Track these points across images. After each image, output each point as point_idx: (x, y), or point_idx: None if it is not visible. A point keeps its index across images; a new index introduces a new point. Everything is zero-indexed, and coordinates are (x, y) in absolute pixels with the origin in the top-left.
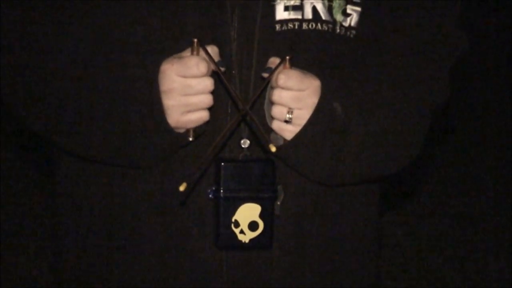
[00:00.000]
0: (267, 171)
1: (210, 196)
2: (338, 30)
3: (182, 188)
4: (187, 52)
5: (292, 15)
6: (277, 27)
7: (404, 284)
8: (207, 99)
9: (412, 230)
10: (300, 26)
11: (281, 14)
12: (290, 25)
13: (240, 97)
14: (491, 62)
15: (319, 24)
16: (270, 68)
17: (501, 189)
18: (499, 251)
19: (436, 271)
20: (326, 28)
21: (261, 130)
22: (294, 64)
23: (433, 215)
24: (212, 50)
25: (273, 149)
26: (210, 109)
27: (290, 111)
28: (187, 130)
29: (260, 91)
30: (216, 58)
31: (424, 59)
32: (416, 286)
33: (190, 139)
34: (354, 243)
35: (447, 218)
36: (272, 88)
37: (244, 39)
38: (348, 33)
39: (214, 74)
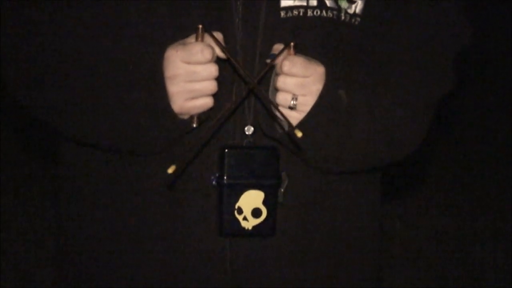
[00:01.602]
0: (271, 158)
1: (214, 182)
2: (343, 17)
3: (170, 170)
4: (191, 39)
5: (297, 1)
6: (282, 13)
7: (402, 275)
8: (212, 86)
9: (410, 222)
10: (305, 13)
11: (286, 0)
12: (295, 12)
13: (249, 74)
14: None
15: (324, 11)
16: (274, 54)
17: (500, 181)
18: (497, 243)
19: (434, 262)
20: (331, 15)
21: (275, 105)
22: (299, 51)
23: (432, 206)
24: (217, 36)
25: (299, 134)
26: (214, 95)
27: (295, 97)
28: (191, 117)
29: (265, 71)
30: (222, 43)
31: (429, 47)
32: (414, 276)
33: (194, 125)
34: (356, 230)
35: (446, 209)
36: (277, 74)
37: (249, 26)
38: (353, 20)
39: (219, 61)
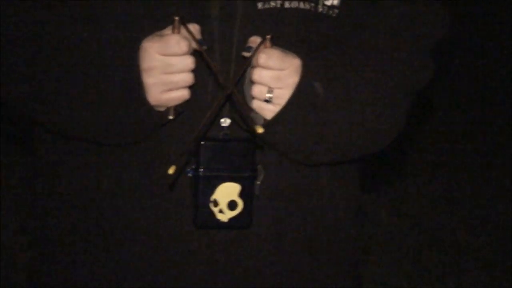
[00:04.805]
0: (247, 150)
1: (189, 174)
2: (320, 9)
3: (171, 171)
4: (168, 30)
5: None
6: (259, 5)
7: (387, 262)
8: (188, 78)
9: (395, 210)
10: (282, 4)
11: None
12: (272, 3)
13: (223, 76)
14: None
15: (301, 3)
16: (250, 47)
17: (484, 169)
18: (480, 231)
19: (418, 250)
20: (308, 7)
21: (247, 110)
22: (276, 43)
23: (416, 195)
24: (194, 28)
25: (260, 130)
26: (190, 87)
27: (271, 90)
28: (168, 108)
29: (243, 70)
30: (198, 36)
31: (406, 38)
32: (398, 264)
33: (171, 117)
34: (333, 222)
35: (429, 198)
36: (253, 67)
37: (226, 17)
38: (330, 12)
39: (196, 53)
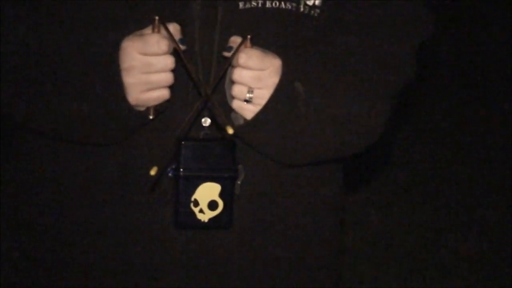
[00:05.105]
0: (228, 151)
1: (170, 174)
2: (302, 9)
3: (153, 172)
4: (148, 30)
5: None
6: (241, 4)
7: (377, 263)
8: (168, 77)
9: (385, 211)
10: (264, 4)
11: None
12: (254, 3)
13: (200, 79)
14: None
15: (282, 2)
16: (231, 47)
17: (474, 171)
18: (469, 231)
19: (407, 251)
20: (289, 7)
21: (222, 115)
22: (257, 42)
23: (406, 195)
24: (174, 28)
25: (230, 131)
26: (170, 87)
27: (251, 90)
28: (147, 108)
29: (222, 74)
30: (178, 36)
31: (388, 40)
32: (387, 265)
33: (151, 117)
34: (314, 222)
35: (419, 198)
36: (233, 67)
37: (207, 17)
38: (312, 12)
39: (176, 53)
